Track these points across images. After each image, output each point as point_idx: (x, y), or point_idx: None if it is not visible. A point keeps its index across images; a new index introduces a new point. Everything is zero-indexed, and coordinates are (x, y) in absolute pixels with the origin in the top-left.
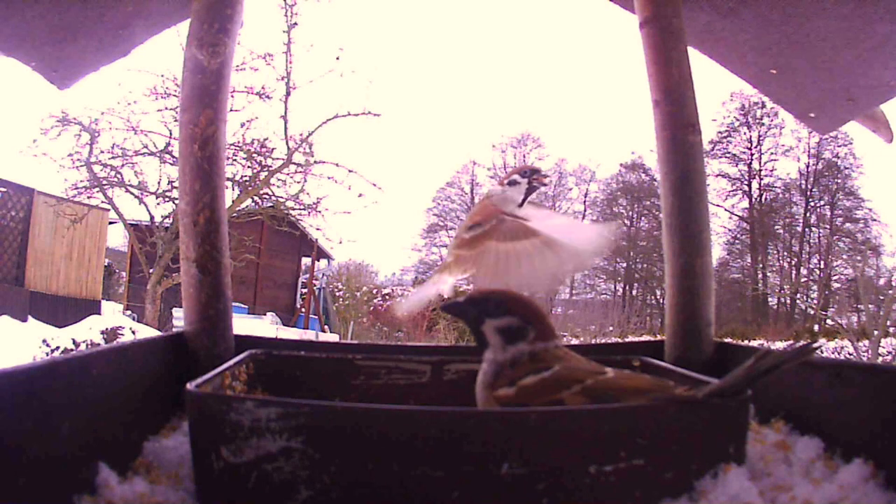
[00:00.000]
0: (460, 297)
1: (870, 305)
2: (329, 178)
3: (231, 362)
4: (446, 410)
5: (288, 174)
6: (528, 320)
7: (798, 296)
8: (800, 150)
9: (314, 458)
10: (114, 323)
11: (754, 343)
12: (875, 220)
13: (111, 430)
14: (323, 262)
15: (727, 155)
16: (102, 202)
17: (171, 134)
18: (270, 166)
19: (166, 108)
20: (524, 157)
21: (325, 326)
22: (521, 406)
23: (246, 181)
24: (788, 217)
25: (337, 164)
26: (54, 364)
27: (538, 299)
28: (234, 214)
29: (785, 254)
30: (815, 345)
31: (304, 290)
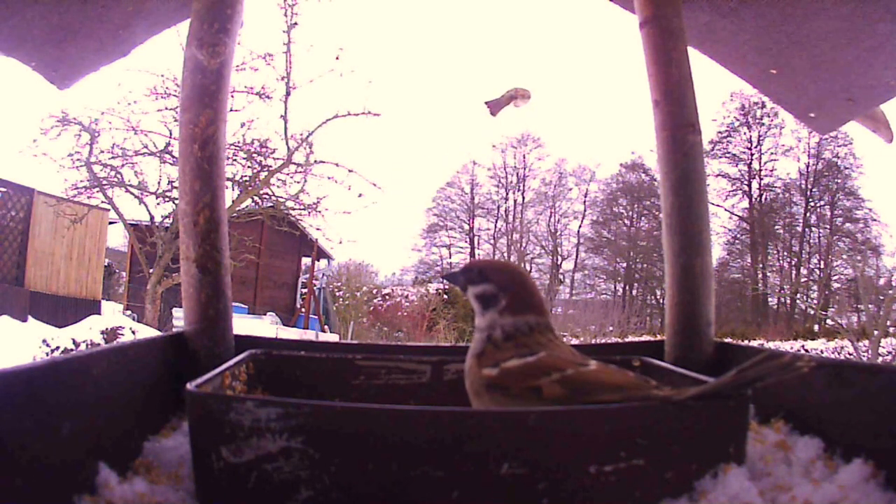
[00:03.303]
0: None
1: (870, 305)
2: (329, 178)
3: (231, 362)
4: (446, 410)
5: (288, 174)
6: (502, 288)
7: (798, 296)
8: (800, 150)
9: (314, 458)
10: (114, 323)
11: (754, 343)
12: (875, 220)
13: (111, 430)
14: (323, 262)
15: (727, 155)
16: (102, 202)
17: (171, 134)
18: (270, 166)
19: (166, 108)
20: (524, 156)
21: (325, 326)
22: (502, 386)
23: (246, 181)
24: (788, 217)
25: (337, 164)
26: (54, 364)
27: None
28: (234, 214)
29: (785, 254)
30: (800, 364)
31: (304, 290)
